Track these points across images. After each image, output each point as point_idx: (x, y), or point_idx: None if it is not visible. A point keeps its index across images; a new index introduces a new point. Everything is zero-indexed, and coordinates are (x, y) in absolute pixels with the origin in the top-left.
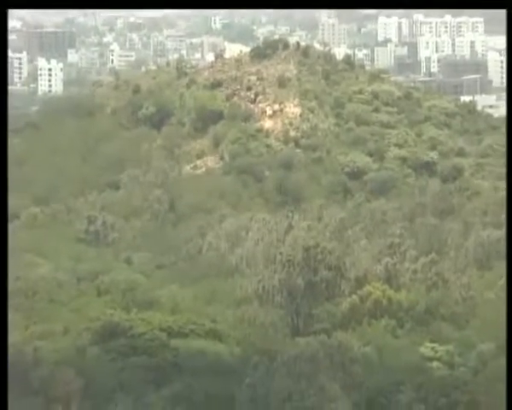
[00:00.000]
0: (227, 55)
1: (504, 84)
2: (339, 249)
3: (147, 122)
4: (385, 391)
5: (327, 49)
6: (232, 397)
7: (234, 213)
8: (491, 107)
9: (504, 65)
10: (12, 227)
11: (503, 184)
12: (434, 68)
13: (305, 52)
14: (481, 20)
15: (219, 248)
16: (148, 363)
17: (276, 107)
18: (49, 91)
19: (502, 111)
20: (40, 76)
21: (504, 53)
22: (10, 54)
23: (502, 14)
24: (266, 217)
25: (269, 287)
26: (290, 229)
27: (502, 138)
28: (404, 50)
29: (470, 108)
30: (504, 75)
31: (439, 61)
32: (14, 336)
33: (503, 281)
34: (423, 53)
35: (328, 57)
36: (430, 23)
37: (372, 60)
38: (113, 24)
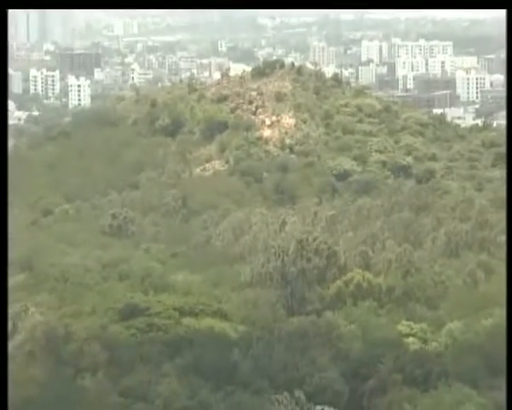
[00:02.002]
0: (231, 74)
1: (470, 99)
2: (328, 241)
3: (162, 131)
4: (367, 363)
5: (317, 68)
6: (236, 367)
7: (237, 209)
8: (459, 118)
9: (470, 82)
10: (47, 221)
11: (469, 185)
12: (410, 85)
13: (299, 71)
14: (450, 43)
15: (225, 239)
16: (163, 338)
17: (274, 118)
18: (79, 105)
19: (468, 122)
20: (70, 91)
21: (470, 71)
22: (45, 72)
23: (468, 37)
24: (265, 213)
25: (267, 273)
26: (286, 223)
27: (468, 145)
28: (384, 69)
29: (441, 120)
30: (470, 91)
31: (414, 78)
32: (48, 315)
33: (469, 267)
34: (400, 72)
35: (318, 75)
36: (406, 46)
37: (356, 77)
38: (133, 47)
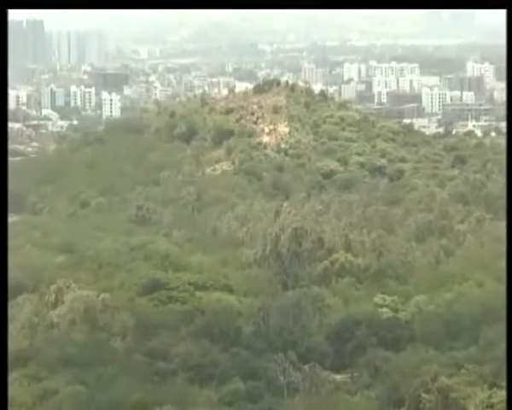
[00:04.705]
0: (237, 90)
1: (433, 111)
2: (316, 228)
3: (180, 138)
4: (348, 328)
5: (307, 86)
6: (240, 332)
7: (241, 202)
8: (424, 127)
9: (433, 97)
10: (84, 212)
11: (432, 182)
12: (384, 99)
13: (292, 88)
14: (417, 65)
15: (231, 226)
16: (180, 308)
17: (272, 127)
18: (111, 116)
19: (432, 130)
20: (104, 105)
21: (434, 88)
22: (83, 89)
23: (431, 60)
24: (264, 205)
25: (266, 255)
26: (281, 213)
27: (432, 149)
28: (362, 87)
29: (409, 128)
30: (433, 104)
31: (387, 94)
32: (85, 290)
33: (433, 250)
34: (376, 88)
35: (308, 92)
36: (381, 67)
37: (339, 93)
38: (155, 68)
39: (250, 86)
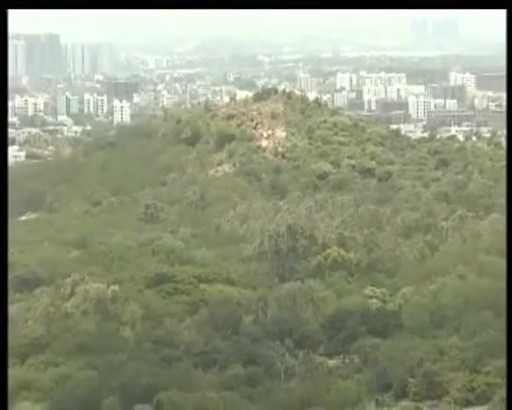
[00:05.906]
0: (238, 98)
1: (419, 117)
2: (311, 225)
3: (185, 142)
4: (340, 318)
5: (303, 94)
6: (240, 321)
7: (242, 201)
8: (410, 132)
9: (419, 104)
10: (97, 210)
11: (418, 183)
12: (373, 107)
13: (289, 96)
14: (404, 75)
15: (232, 223)
16: (185, 299)
17: (270, 132)
18: (121, 121)
19: (417, 135)
20: (115, 111)
21: (419, 96)
22: (96, 96)
23: (417, 71)
24: (263, 203)
25: (265, 250)
26: (279, 211)
27: (417, 153)
28: (353, 95)
29: (397, 133)
30: (419, 111)
31: (376, 102)
32: (97, 283)
33: (418, 246)
34: (366, 96)
35: (303, 99)
36: (370, 77)
37: (332, 101)
38: (163, 77)
39: (250, 94)
